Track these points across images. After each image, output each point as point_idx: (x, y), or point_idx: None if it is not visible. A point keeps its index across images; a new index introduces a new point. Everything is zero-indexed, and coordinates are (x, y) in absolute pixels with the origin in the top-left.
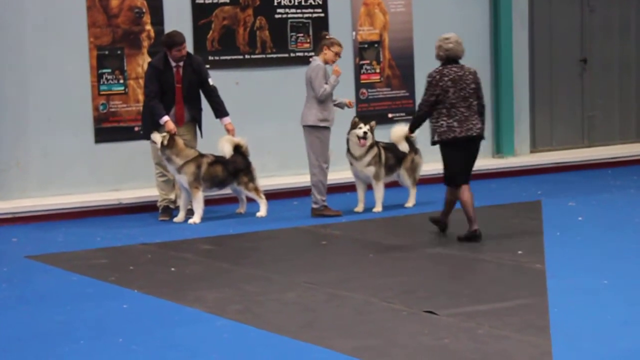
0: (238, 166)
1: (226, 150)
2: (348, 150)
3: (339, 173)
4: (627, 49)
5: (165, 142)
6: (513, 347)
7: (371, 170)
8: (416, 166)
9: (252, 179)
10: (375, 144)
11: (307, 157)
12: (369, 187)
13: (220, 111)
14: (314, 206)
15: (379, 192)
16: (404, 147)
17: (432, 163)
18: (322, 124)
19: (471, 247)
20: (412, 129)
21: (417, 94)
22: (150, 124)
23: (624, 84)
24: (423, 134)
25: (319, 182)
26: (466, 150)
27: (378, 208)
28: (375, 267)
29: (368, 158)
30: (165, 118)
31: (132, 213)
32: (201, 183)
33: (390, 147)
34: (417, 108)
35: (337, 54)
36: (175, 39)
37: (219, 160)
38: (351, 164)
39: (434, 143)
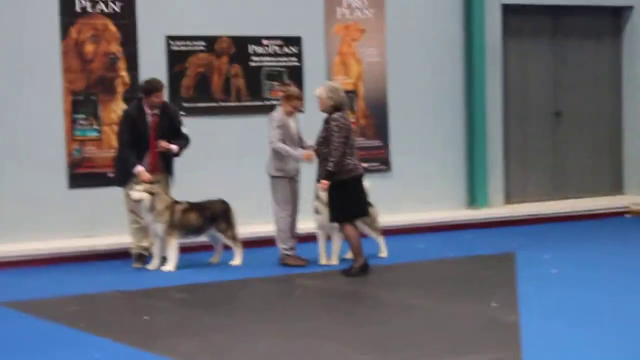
0: (215, 212)
1: None
2: (317, 196)
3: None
4: (600, 102)
5: (153, 191)
6: None
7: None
8: (374, 216)
9: (230, 226)
10: None
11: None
12: (329, 238)
13: (179, 144)
14: (280, 254)
15: (337, 243)
16: None
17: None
18: (278, 174)
19: (445, 298)
20: (329, 176)
21: (391, 143)
22: (123, 172)
23: (596, 136)
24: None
25: (280, 231)
26: (361, 185)
27: (334, 261)
28: (348, 318)
29: None
30: (139, 168)
31: (106, 259)
32: (175, 230)
33: None
34: (332, 155)
35: (296, 107)
36: (155, 85)
37: (194, 207)
38: (317, 212)
39: (341, 181)
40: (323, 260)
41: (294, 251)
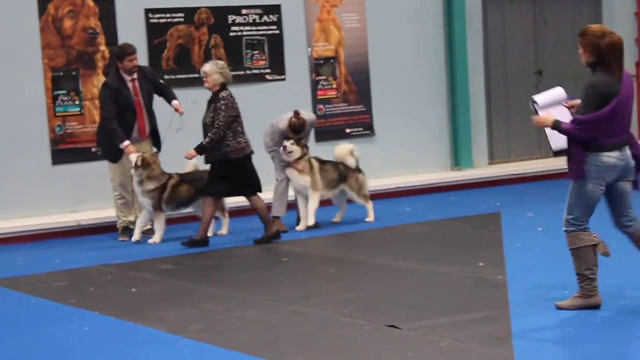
0: (205, 182)
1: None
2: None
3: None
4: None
5: (139, 163)
6: (476, 359)
7: (307, 179)
8: (362, 183)
9: None
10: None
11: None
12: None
13: (171, 97)
14: None
15: (313, 204)
16: (351, 162)
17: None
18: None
19: (432, 260)
20: (204, 150)
21: (374, 108)
22: (107, 145)
23: (578, 94)
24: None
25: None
26: (250, 164)
27: (310, 222)
28: (336, 283)
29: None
30: (126, 143)
31: (91, 234)
32: (164, 206)
33: (334, 164)
34: (213, 132)
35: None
36: (126, 49)
37: (184, 179)
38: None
39: (232, 160)
40: (302, 226)
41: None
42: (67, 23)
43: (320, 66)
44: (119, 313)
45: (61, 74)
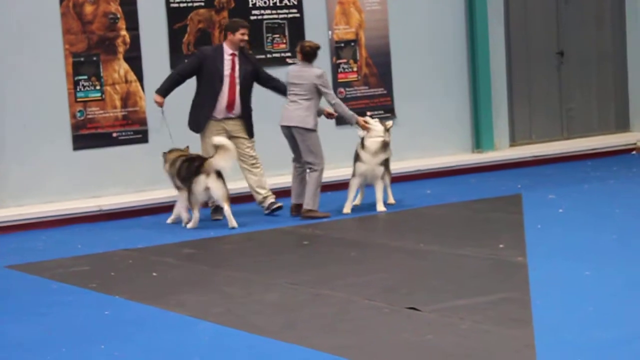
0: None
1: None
2: (362, 145)
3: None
4: (603, 40)
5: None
6: (496, 341)
7: (381, 170)
8: (388, 163)
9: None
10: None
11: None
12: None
13: (283, 90)
14: (307, 207)
15: (380, 191)
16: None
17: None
18: (315, 128)
19: (452, 242)
20: None
21: (394, 91)
22: (194, 117)
23: (601, 75)
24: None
25: (319, 186)
26: None
27: (382, 207)
28: (356, 265)
29: (382, 157)
30: (158, 95)
31: (113, 219)
32: (178, 183)
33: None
34: None
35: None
36: (241, 23)
37: (190, 158)
38: (361, 160)
39: None
40: (348, 209)
41: None
42: (88, 8)
43: (340, 49)
44: (139, 297)
45: (82, 59)
